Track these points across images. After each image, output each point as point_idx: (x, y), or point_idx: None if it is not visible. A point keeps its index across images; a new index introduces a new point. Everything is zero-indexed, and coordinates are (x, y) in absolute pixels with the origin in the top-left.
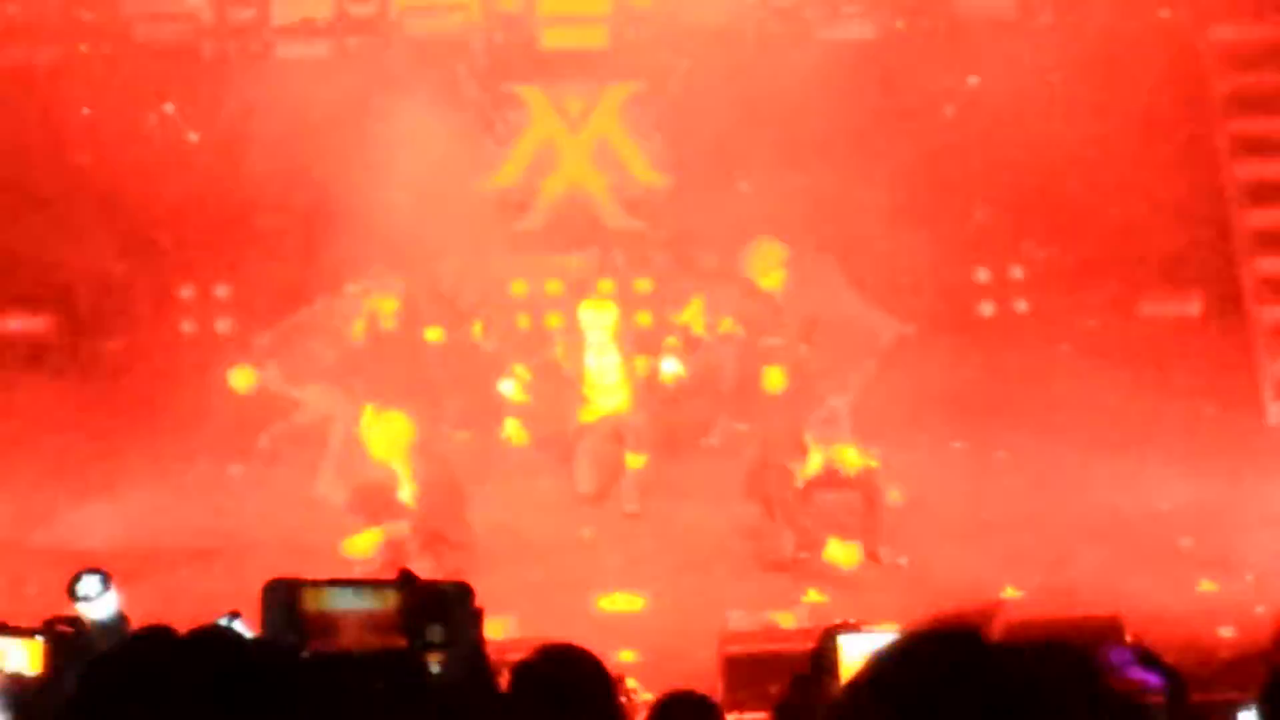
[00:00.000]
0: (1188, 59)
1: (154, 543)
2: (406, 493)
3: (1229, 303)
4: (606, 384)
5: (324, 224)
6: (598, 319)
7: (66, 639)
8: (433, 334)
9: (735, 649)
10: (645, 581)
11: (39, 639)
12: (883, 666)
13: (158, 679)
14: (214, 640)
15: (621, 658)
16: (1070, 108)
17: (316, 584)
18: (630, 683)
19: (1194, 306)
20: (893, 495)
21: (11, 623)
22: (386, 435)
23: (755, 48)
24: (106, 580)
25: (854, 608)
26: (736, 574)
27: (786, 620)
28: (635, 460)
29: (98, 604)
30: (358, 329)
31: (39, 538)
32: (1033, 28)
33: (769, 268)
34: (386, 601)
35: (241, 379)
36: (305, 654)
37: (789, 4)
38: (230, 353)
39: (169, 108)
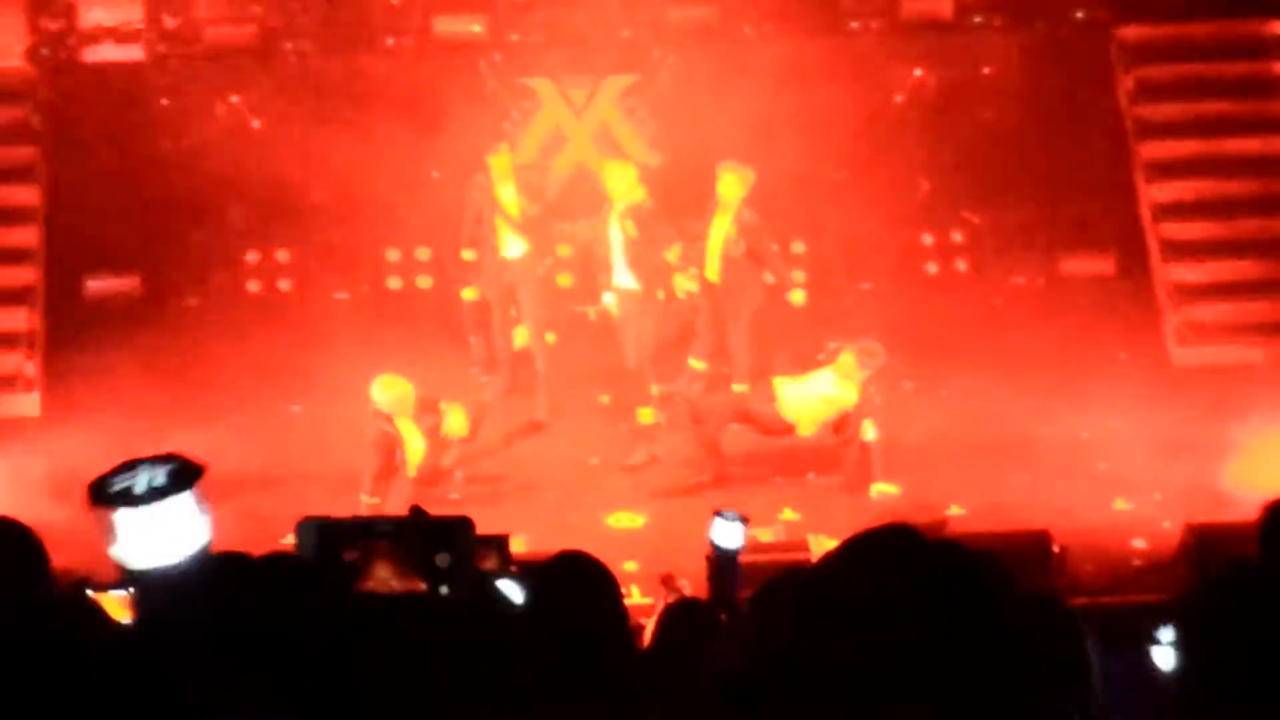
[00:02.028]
0: (1100, 53)
1: (227, 471)
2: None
3: (1138, 263)
4: (628, 249)
5: (368, 198)
6: (620, 174)
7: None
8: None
9: None
10: (645, 502)
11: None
12: (844, 552)
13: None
14: (287, 566)
15: (625, 567)
16: (1001, 95)
17: (345, 523)
18: (683, 583)
19: (1108, 266)
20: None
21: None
22: (393, 397)
23: (733, 45)
24: None
25: (821, 523)
26: (723, 497)
27: (765, 535)
28: (646, 415)
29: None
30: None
31: None
32: (968, 27)
33: (734, 185)
34: (403, 536)
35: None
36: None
37: (758, 10)
38: (289, 308)
39: (235, 99)
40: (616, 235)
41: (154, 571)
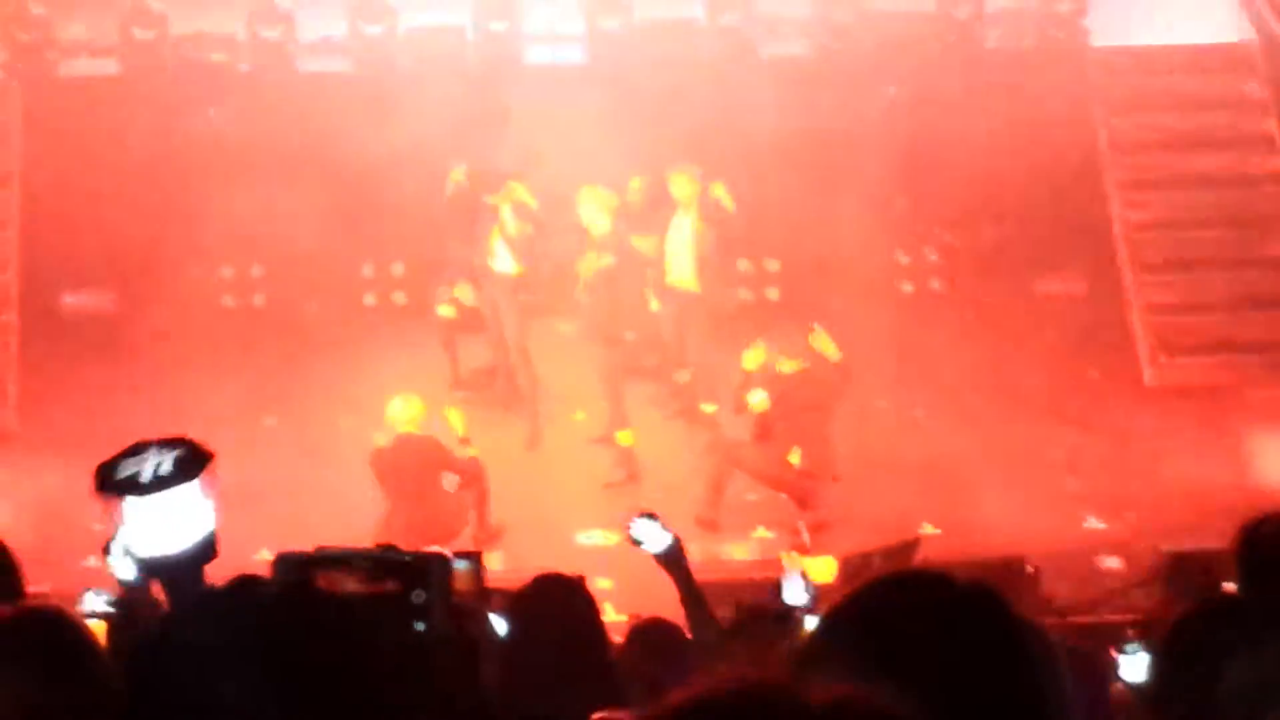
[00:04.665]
0: (1075, 73)
1: None
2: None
3: (1110, 283)
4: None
5: (343, 211)
6: (593, 197)
7: (117, 620)
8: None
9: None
10: (618, 520)
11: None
12: (859, 599)
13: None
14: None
15: (599, 584)
16: (975, 114)
17: (325, 562)
18: None
19: (1080, 286)
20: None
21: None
22: (406, 415)
23: (710, 63)
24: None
25: (796, 541)
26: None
27: (739, 552)
28: (625, 438)
29: (124, 562)
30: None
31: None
32: (943, 46)
33: (686, 184)
34: (380, 570)
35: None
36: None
37: (736, 25)
38: (264, 323)
39: (212, 113)
40: (592, 263)
41: (158, 560)
